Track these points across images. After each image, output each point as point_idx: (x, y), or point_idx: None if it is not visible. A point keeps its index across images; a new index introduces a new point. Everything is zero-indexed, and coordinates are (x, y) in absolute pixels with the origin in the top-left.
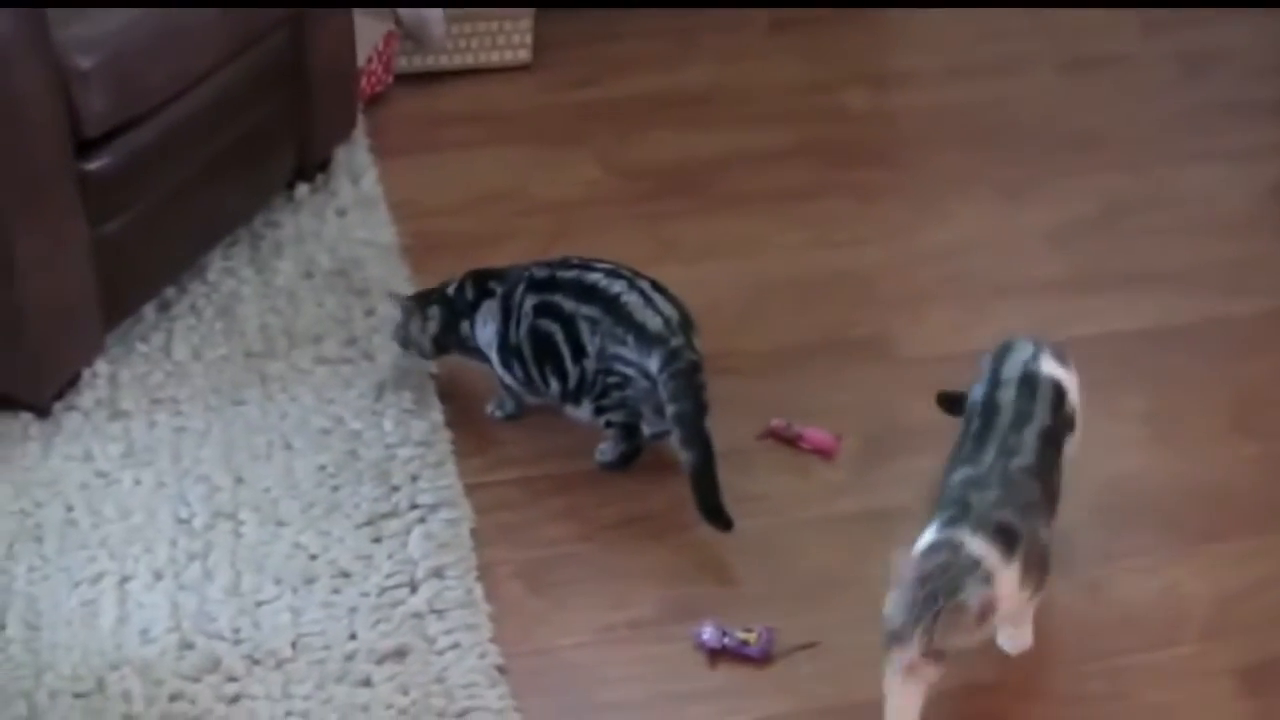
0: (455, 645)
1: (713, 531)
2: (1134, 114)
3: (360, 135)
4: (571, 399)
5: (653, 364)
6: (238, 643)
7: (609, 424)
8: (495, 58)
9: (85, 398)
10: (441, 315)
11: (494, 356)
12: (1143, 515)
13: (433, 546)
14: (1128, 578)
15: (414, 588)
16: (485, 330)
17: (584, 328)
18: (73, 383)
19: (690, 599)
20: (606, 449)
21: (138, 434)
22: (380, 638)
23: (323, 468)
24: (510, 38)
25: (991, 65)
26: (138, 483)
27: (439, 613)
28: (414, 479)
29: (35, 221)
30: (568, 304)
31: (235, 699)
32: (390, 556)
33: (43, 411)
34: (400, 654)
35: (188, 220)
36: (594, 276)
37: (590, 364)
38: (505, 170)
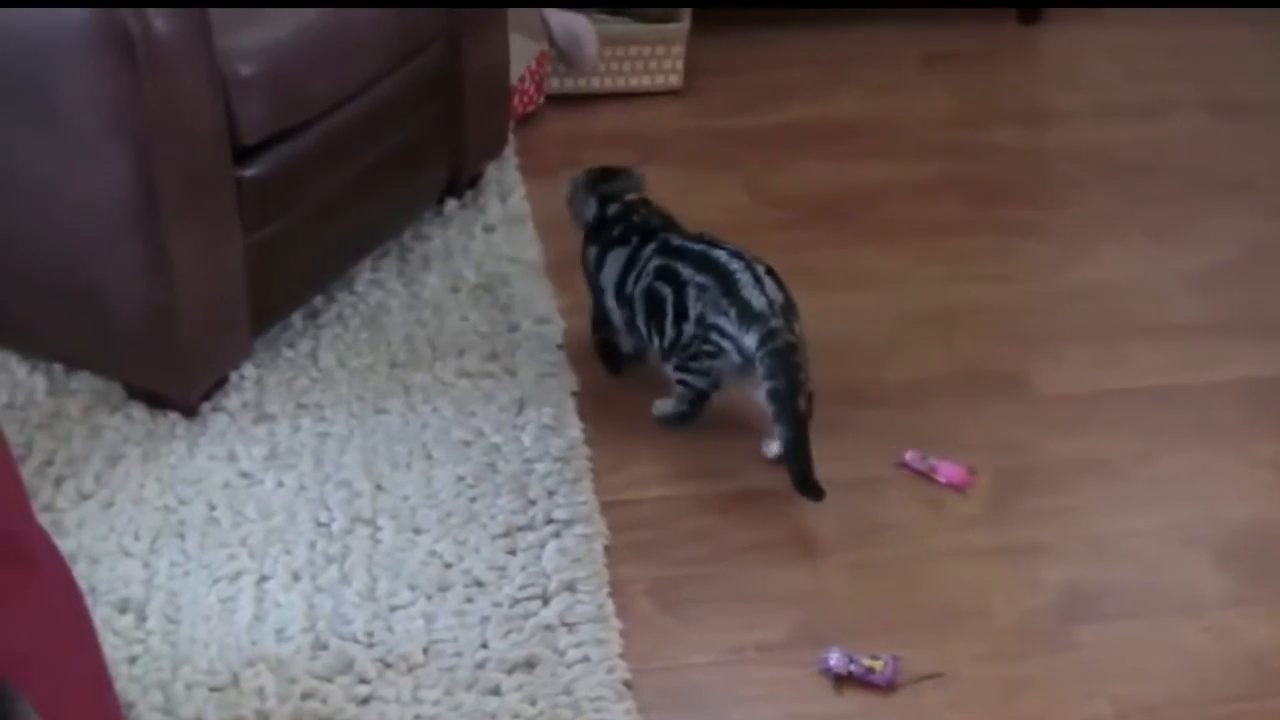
0: (584, 659)
1: (843, 559)
2: None
3: (510, 153)
4: (665, 356)
5: (751, 340)
6: (371, 646)
7: (683, 384)
8: (646, 82)
9: (232, 400)
10: (595, 215)
11: (609, 296)
12: (1274, 562)
13: (566, 561)
14: (1257, 624)
15: (546, 600)
16: (608, 271)
17: (692, 293)
18: (220, 385)
19: (818, 624)
20: (668, 405)
21: (281, 437)
22: (511, 648)
23: (461, 479)
24: (662, 63)
25: (1142, 106)
26: (280, 485)
27: (570, 626)
28: (551, 494)
29: (192, 225)
30: (685, 272)
31: (366, 700)
32: (524, 568)
33: (190, 411)
34: (530, 665)
35: (339, 230)
36: (717, 253)
37: (689, 328)
38: (652, 194)
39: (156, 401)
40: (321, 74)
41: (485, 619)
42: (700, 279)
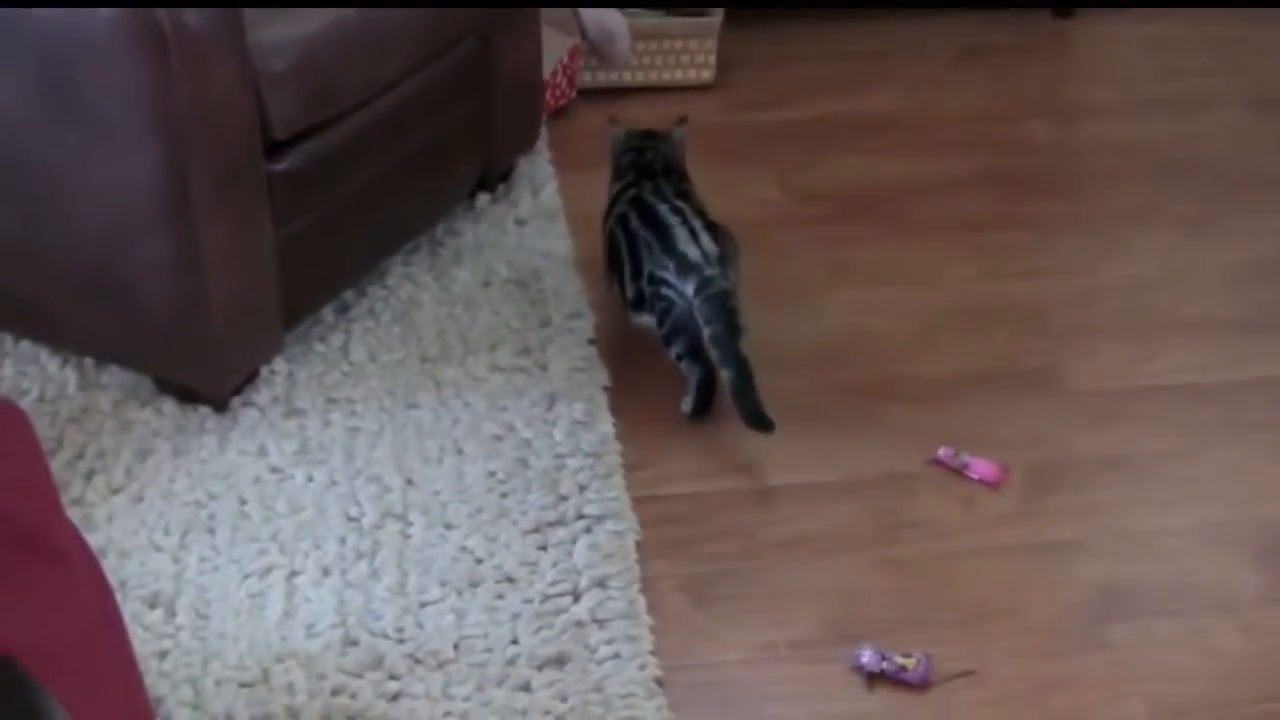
0: (615, 655)
1: (876, 556)
2: None
3: (542, 147)
4: (633, 307)
5: (689, 289)
6: (401, 641)
7: (679, 358)
8: (679, 76)
9: (263, 394)
10: (627, 161)
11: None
12: None
13: (597, 557)
14: None
15: (577, 596)
16: (611, 190)
17: (642, 250)
18: (251, 379)
19: (851, 622)
20: (687, 401)
21: (312, 432)
22: (541, 644)
23: (492, 474)
24: (694, 57)
25: (1177, 101)
26: (310, 480)
27: (600, 622)
28: (582, 489)
29: (223, 219)
30: (634, 224)
31: (396, 697)
32: (555, 564)
33: (221, 406)
34: (560, 661)
35: (370, 225)
36: (661, 208)
37: (644, 283)
38: None
39: (187, 396)
40: (354, 68)
41: (516, 615)
42: (644, 234)
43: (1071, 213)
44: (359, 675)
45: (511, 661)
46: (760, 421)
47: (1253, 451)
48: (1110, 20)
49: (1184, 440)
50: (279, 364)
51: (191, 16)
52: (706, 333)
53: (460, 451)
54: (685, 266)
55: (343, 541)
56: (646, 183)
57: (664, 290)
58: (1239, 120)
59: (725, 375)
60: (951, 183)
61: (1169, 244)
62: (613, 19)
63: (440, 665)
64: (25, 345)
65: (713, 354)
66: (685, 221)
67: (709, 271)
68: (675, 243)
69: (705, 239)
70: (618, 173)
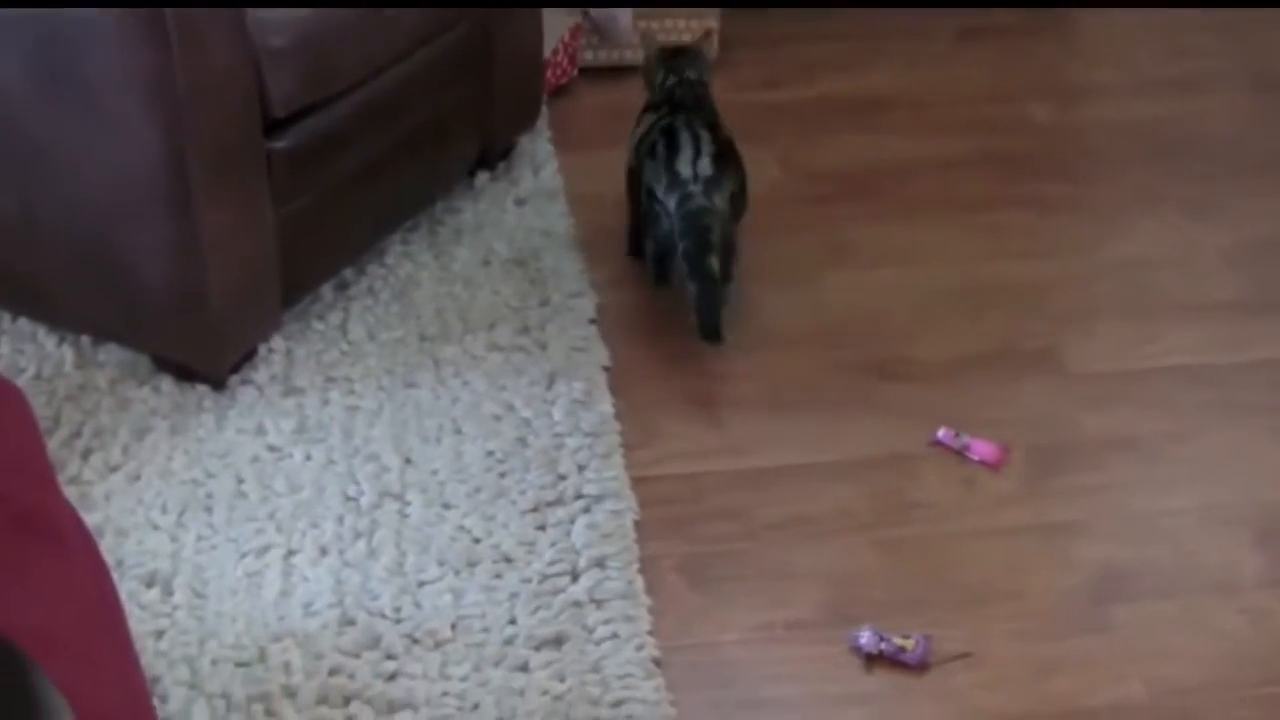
0: (613, 635)
1: (875, 537)
2: None
3: (543, 126)
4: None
5: (671, 203)
6: (398, 621)
7: (659, 278)
8: None
9: (261, 373)
10: (664, 88)
11: (630, 155)
12: None
13: (596, 536)
14: None
15: (575, 576)
16: (636, 129)
17: (648, 167)
18: (249, 357)
19: (849, 602)
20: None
21: (310, 411)
22: (539, 624)
23: (491, 453)
24: (696, 37)
25: (1179, 82)
26: (308, 459)
27: (598, 602)
28: (581, 469)
29: (222, 197)
30: (658, 146)
31: (393, 676)
32: (553, 544)
33: (219, 384)
34: (558, 641)
35: (369, 203)
36: (684, 133)
37: (646, 199)
38: None
39: (185, 374)
40: (353, 46)
41: (514, 595)
42: (661, 150)
43: (1072, 194)
44: (356, 655)
45: (509, 641)
46: (710, 333)
47: (1253, 433)
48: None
49: (1184, 422)
50: (277, 342)
51: None
52: (680, 247)
53: (459, 431)
54: (674, 183)
55: (340, 521)
56: (681, 114)
57: (655, 206)
58: (1240, 101)
59: (690, 287)
60: (952, 163)
61: (1170, 225)
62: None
63: (438, 645)
64: (22, 323)
65: (682, 267)
66: (696, 145)
67: (691, 188)
68: (675, 162)
69: (704, 163)
70: (651, 103)
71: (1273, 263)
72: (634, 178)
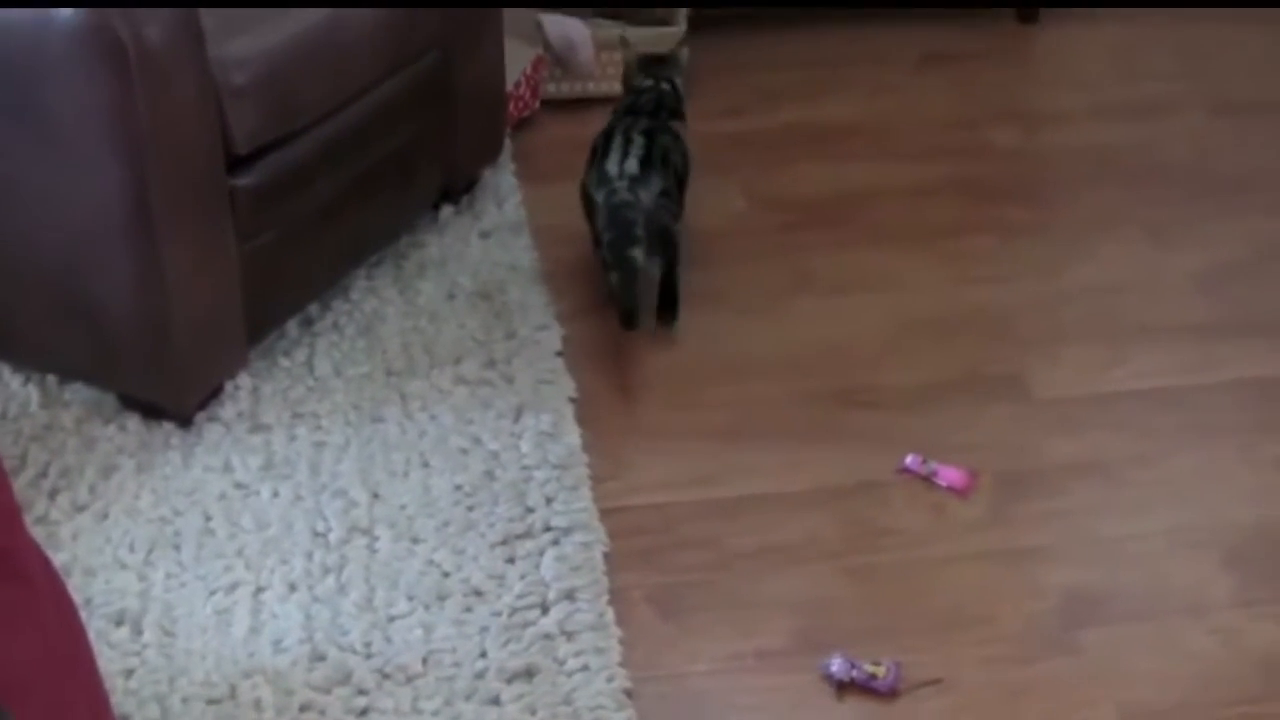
0: (584, 667)
1: (845, 564)
2: None
3: (506, 159)
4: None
5: (600, 198)
6: (369, 656)
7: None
8: None
9: (227, 409)
10: (625, 105)
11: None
12: (1279, 563)
13: (565, 569)
14: (1263, 625)
15: (545, 609)
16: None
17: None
18: (216, 394)
19: (820, 630)
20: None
21: (277, 447)
22: (510, 657)
23: (459, 487)
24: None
25: (1140, 106)
26: (275, 495)
27: (569, 634)
28: (549, 501)
29: (185, 235)
30: (597, 147)
31: (364, 712)
32: (523, 577)
33: (185, 421)
34: (529, 674)
35: (334, 238)
36: (618, 137)
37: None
38: None
39: (151, 412)
40: (315, 81)
41: (484, 628)
42: (598, 152)
43: (1036, 218)
44: (327, 691)
45: (480, 675)
46: (627, 319)
47: (1220, 455)
48: (1073, 24)
49: (1152, 445)
50: (243, 379)
51: (152, 30)
52: (604, 238)
53: (426, 465)
54: (602, 179)
55: (309, 557)
56: (627, 118)
57: (587, 204)
58: (1202, 124)
59: (612, 276)
60: (916, 189)
61: (1134, 248)
62: (575, 29)
63: (409, 680)
64: None
65: (607, 257)
66: (626, 146)
67: (617, 184)
68: (605, 163)
69: (631, 163)
70: (617, 109)
71: (1237, 285)
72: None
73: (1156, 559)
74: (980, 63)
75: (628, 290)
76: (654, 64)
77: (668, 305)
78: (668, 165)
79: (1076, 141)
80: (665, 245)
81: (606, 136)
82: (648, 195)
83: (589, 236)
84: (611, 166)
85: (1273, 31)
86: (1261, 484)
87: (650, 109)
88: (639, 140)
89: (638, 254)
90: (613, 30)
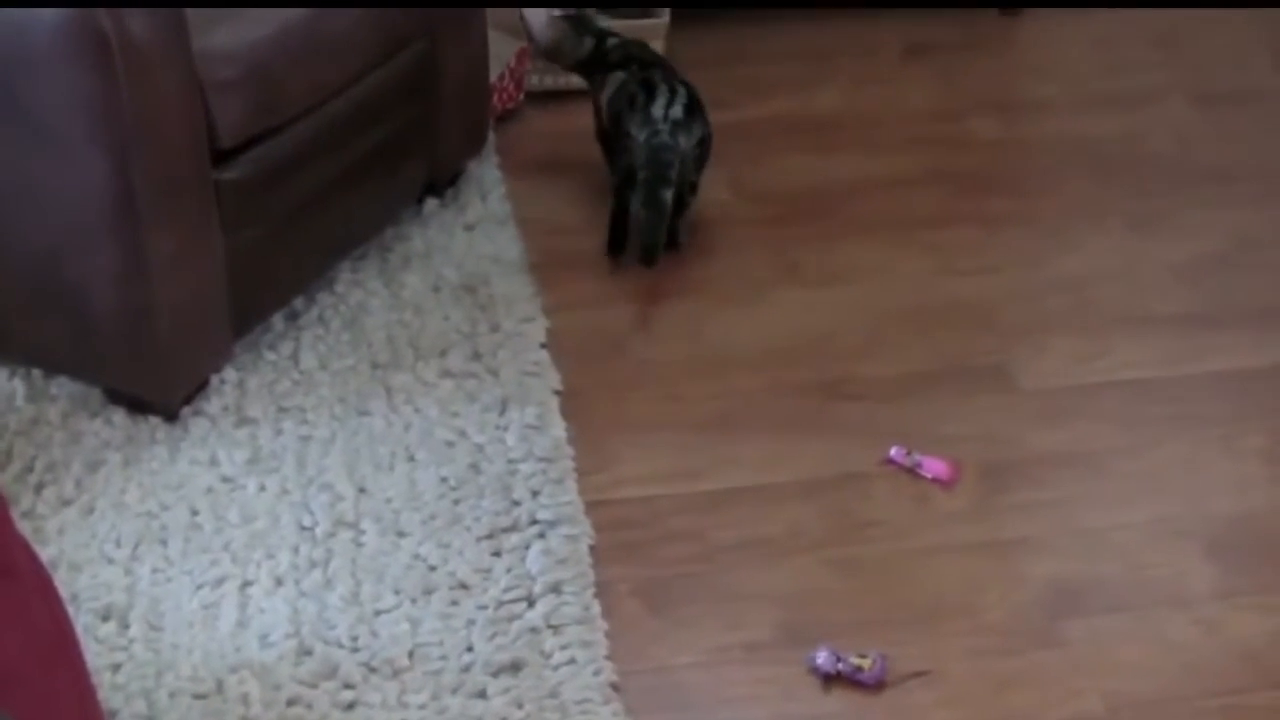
0: (571, 661)
1: (830, 556)
2: (1265, 149)
3: (490, 151)
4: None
5: (641, 138)
6: (355, 650)
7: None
8: None
9: (213, 404)
10: (593, 49)
11: (606, 116)
12: (1262, 553)
13: (551, 562)
14: (1247, 616)
15: (531, 602)
16: (608, 91)
17: (626, 108)
18: (201, 388)
19: (806, 623)
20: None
21: (264, 441)
22: (496, 651)
23: (444, 480)
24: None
25: (1122, 97)
26: (262, 489)
27: (555, 628)
28: (535, 494)
29: (170, 228)
30: (638, 93)
31: (351, 706)
32: (509, 571)
33: (171, 416)
34: (515, 668)
35: (318, 231)
36: (656, 78)
37: (620, 137)
38: None
39: (137, 406)
40: (300, 75)
41: (470, 622)
42: (641, 98)
43: (1019, 209)
44: (314, 685)
45: (467, 669)
46: (648, 255)
47: (1203, 446)
48: (1055, 17)
49: (1135, 435)
50: (229, 373)
51: (136, 25)
52: (639, 175)
53: (412, 458)
54: (646, 121)
55: (296, 551)
56: (657, 70)
57: (627, 141)
58: (1183, 115)
59: (640, 213)
60: (900, 181)
61: (1116, 239)
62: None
63: (395, 674)
64: None
65: (639, 194)
66: (671, 95)
67: (660, 127)
68: (651, 106)
69: (677, 109)
70: (606, 65)
71: (1219, 276)
72: (607, 139)
73: (1140, 549)
74: (964, 54)
75: (655, 229)
76: (580, 24)
77: (671, 237)
78: (705, 118)
79: (1059, 132)
80: (685, 189)
81: (647, 84)
82: (687, 141)
83: (576, 221)
84: (657, 110)
85: (1253, 22)
86: (1243, 474)
87: (653, 58)
88: (682, 90)
89: (668, 195)
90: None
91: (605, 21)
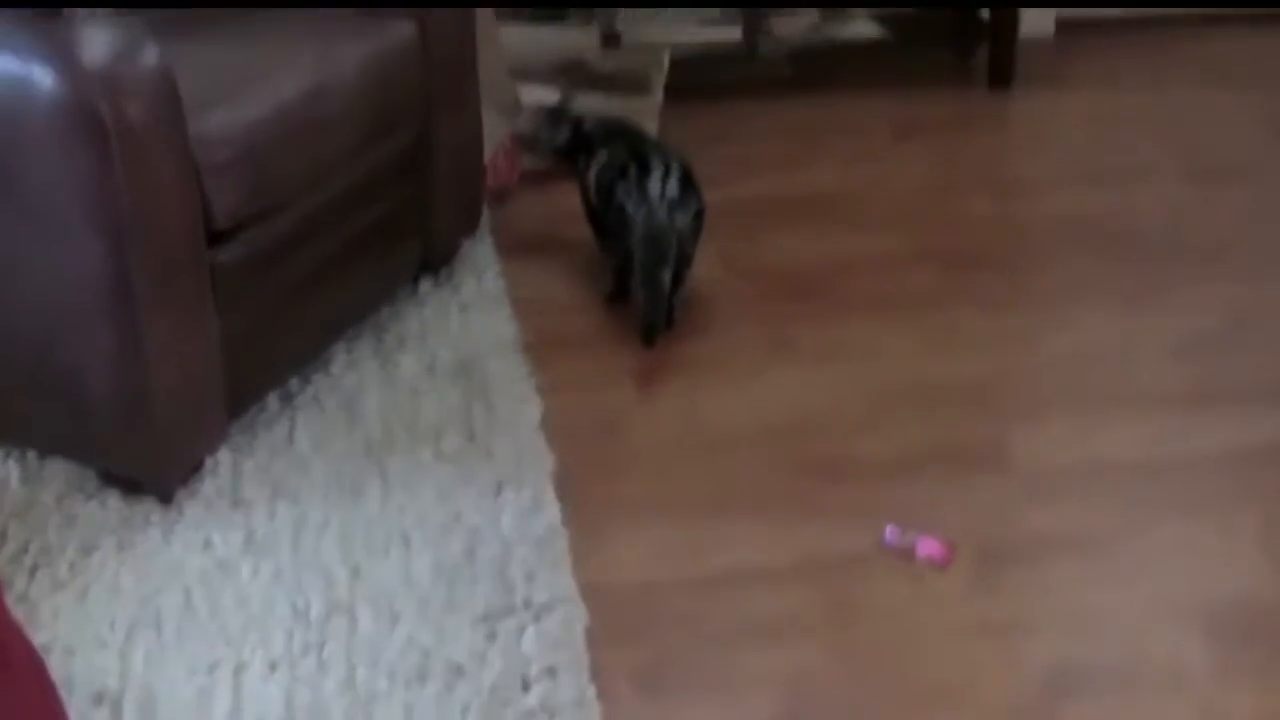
0: None
1: (826, 639)
2: (1259, 225)
3: (485, 231)
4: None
5: (639, 218)
6: None
7: (611, 265)
8: None
9: (208, 485)
10: (571, 133)
11: (593, 192)
12: (1260, 634)
13: (547, 645)
14: (1245, 697)
15: (527, 686)
16: (594, 170)
17: (620, 184)
18: (196, 470)
19: (803, 706)
20: (606, 286)
21: (258, 523)
22: None
23: (439, 563)
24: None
25: (1115, 173)
26: (256, 572)
27: (551, 712)
28: (530, 577)
29: (166, 310)
30: (630, 167)
31: None
32: (504, 654)
33: (166, 498)
34: None
35: (313, 312)
36: (648, 153)
37: (611, 212)
38: None
39: (132, 488)
40: (295, 157)
41: (466, 707)
42: (633, 172)
43: (1013, 287)
44: None
45: None
46: (648, 336)
47: (1201, 526)
48: (1046, 92)
49: (1131, 516)
50: (224, 454)
51: (133, 109)
52: (637, 257)
53: (407, 541)
54: (644, 199)
55: (290, 635)
56: (646, 143)
57: (625, 219)
58: (1175, 191)
59: (640, 294)
60: (893, 259)
61: (1111, 317)
62: (552, 101)
63: None
64: None
65: (636, 274)
66: (666, 169)
67: (657, 206)
68: (647, 182)
69: (672, 184)
70: (589, 146)
71: (1215, 353)
72: (596, 217)
73: (1138, 631)
74: (955, 132)
75: (654, 309)
76: (555, 114)
77: (667, 316)
78: (699, 189)
79: (1052, 209)
80: (683, 265)
81: (640, 157)
82: (683, 219)
83: (570, 301)
84: (653, 187)
85: (1243, 98)
86: (1242, 556)
87: (635, 133)
88: (675, 164)
89: (666, 276)
90: (590, 100)
91: (598, 99)
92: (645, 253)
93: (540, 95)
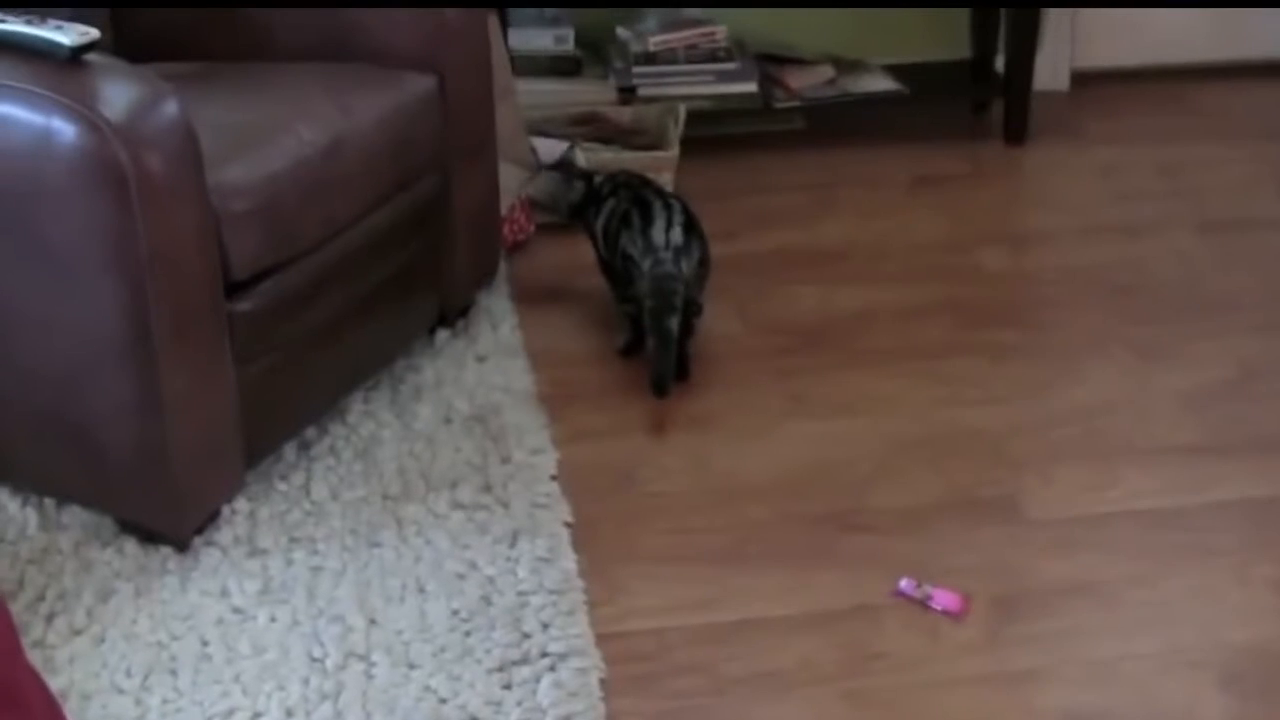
0: None
1: (841, 689)
2: (1271, 277)
3: (502, 282)
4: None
5: (645, 266)
6: None
7: (624, 311)
8: None
9: (224, 534)
10: (585, 190)
11: (601, 244)
12: (1275, 683)
13: (562, 695)
14: None
15: None
16: (601, 220)
17: (624, 233)
18: (213, 518)
19: None
20: (620, 338)
21: (274, 572)
22: None
23: (455, 612)
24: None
25: (1127, 226)
26: (273, 620)
27: None
28: (545, 627)
29: (183, 360)
30: (633, 215)
31: None
32: (519, 704)
33: (183, 546)
34: None
35: (331, 362)
36: (652, 200)
37: (618, 260)
38: None
39: (149, 536)
40: (313, 208)
41: None
42: (636, 220)
43: (1026, 339)
44: None
45: None
46: (659, 385)
47: (1214, 576)
48: (1059, 146)
49: (1145, 566)
50: (240, 503)
51: (153, 159)
52: (646, 306)
53: (423, 590)
54: (649, 248)
55: (306, 683)
56: (648, 189)
57: (632, 269)
58: (1187, 243)
59: (650, 342)
60: (907, 312)
61: (1123, 369)
62: (569, 154)
63: None
64: None
65: (646, 322)
66: (669, 215)
67: (663, 255)
68: (650, 230)
69: (675, 231)
70: (599, 198)
71: (1227, 404)
72: (608, 267)
73: (1152, 681)
74: (969, 185)
75: (665, 358)
76: (567, 172)
77: (681, 367)
78: (702, 233)
79: (1064, 262)
80: (691, 310)
81: (642, 203)
82: (689, 265)
83: (587, 352)
84: (658, 235)
85: (1254, 151)
86: (1256, 605)
87: (639, 181)
88: (678, 207)
89: (674, 323)
90: (606, 154)
91: (614, 153)
92: (654, 301)
93: (555, 148)
